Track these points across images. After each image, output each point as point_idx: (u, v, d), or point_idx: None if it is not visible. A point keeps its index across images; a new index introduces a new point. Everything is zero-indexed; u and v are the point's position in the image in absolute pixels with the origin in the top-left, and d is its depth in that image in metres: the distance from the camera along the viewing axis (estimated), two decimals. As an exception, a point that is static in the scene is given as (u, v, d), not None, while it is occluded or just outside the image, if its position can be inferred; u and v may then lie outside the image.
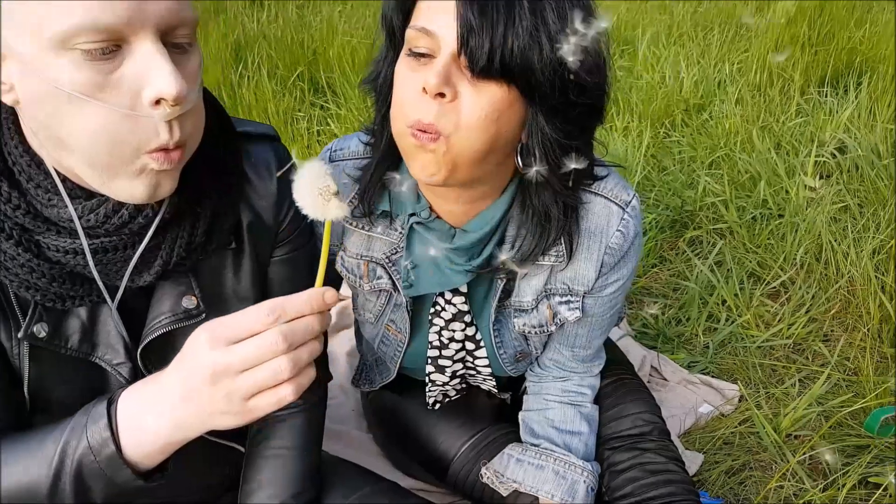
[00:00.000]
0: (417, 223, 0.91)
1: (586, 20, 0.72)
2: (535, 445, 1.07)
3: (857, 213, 1.90)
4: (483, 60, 0.71)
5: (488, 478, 1.07)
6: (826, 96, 2.49)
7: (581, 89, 0.75)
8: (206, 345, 0.60)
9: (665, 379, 1.61)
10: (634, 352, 1.60)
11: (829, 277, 1.76)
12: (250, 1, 3.81)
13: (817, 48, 2.76)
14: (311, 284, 0.95)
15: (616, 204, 0.90)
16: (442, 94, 0.72)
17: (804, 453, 1.30)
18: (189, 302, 0.76)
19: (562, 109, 0.76)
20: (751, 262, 1.88)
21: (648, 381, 1.61)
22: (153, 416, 0.63)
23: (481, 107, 0.73)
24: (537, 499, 1.06)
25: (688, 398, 1.54)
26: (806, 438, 1.37)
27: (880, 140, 2.20)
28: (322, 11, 3.67)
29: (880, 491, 1.16)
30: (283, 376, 0.59)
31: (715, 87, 2.70)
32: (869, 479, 1.31)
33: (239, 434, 0.98)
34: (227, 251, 0.80)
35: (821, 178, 2.10)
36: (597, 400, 1.11)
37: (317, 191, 0.61)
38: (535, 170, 0.80)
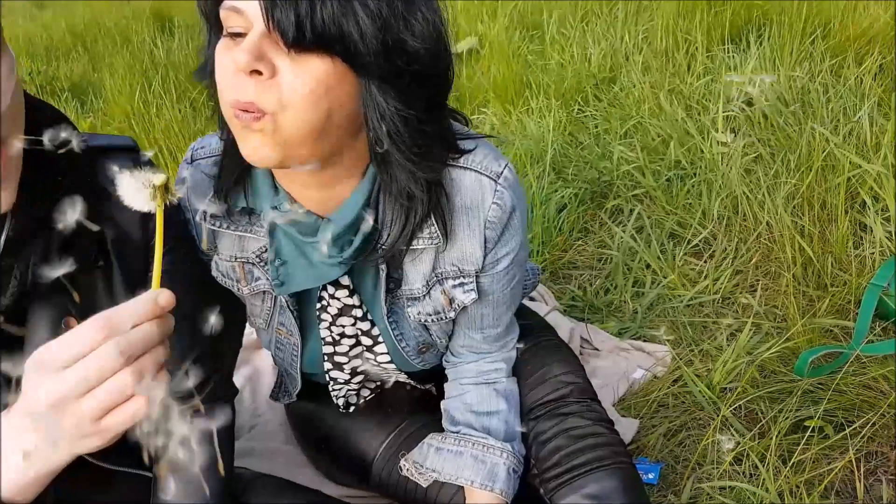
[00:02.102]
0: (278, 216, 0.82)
1: None
2: (454, 433, 1.00)
3: (770, 161, 1.87)
4: (292, 32, 0.64)
5: (408, 469, 1.00)
6: (729, 53, 2.47)
7: (410, 56, 0.70)
8: (37, 376, 0.54)
9: (596, 349, 1.55)
10: (562, 325, 1.53)
11: (747, 228, 1.72)
12: (160, 30, 3.68)
13: (716, 9, 2.75)
14: (196, 297, 0.87)
15: (487, 176, 0.84)
16: (258, 72, 0.66)
17: (733, 404, 1.24)
18: (72, 325, 0.70)
19: (393, 79, 0.70)
20: (670, 222, 1.83)
21: (580, 353, 1.54)
22: (13, 453, 0.58)
23: (304, 82, 0.67)
24: (461, 489, 0.98)
25: (620, 365, 1.48)
26: (741, 391, 1.32)
27: (785, 89, 2.18)
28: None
29: (808, 433, 1.11)
30: (129, 391, 0.54)
31: (623, 60, 2.67)
32: (805, 424, 1.25)
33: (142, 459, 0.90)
34: (95, 270, 0.74)
35: (732, 132, 2.07)
36: (516, 369, 1.05)
37: (137, 181, 0.58)
38: (385, 147, 0.73)
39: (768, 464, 1.09)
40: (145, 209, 0.59)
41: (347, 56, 0.67)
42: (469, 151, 0.84)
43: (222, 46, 0.70)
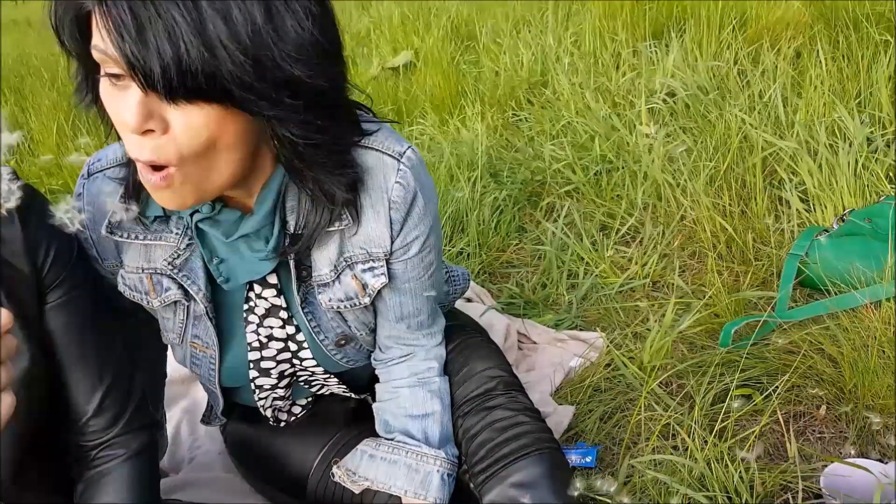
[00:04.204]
0: (201, 220, 0.84)
1: (273, 9, 0.65)
2: (389, 440, 1.01)
3: (693, 146, 1.95)
4: (164, 89, 0.63)
5: (340, 476, 1.01)
6: (652, 48, 2.57)
7: (297, 86, 0.68)
8: None
9: (534, 342, 1.59)
10: (498, 323, 1.58)
11: (671, 213, 1.80)
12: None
13: (639, 7, 2.86)
14: (100, 325, 0.88)
15: (389, 156, 0.86)
16: (151, 130, 0.66)
17: (657, 378, 1.29)
18: None
19: (288, 114, 0.70)
20: (601, 215, 1.89)
21: (519, 349, 1.58)
22: None
23: (197, 132, 0.67)
24: (396, 497, 0.99)
25: (557, 355, 1.53)
26: (670, 367, 1.37)
27: (705, 80, 2.27)
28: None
29: (729, 400, 1.16)
30: None
31: (553, 63, 2.76)
32: (734, 393, 1.31)
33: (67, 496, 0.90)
34: None
35: (657, 124, 2.15)
36: (444, 368, 1.06)
37: None
38: (296, 165, 0.76)
39: (694, 433, 1.14)
40: None
41: (231, 101, 0.66)
42: (371, 133, 0.86)
43: (105, 87, 0.68)
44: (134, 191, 0.83)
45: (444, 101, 2.80)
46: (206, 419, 1.23)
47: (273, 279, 0.92)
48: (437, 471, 0.95)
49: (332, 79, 0.73)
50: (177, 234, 0.87)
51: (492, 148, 2.30)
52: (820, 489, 1.10)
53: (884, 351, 1.33)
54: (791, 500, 1.08)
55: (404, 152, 0.87)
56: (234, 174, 0.74)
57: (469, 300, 1.69)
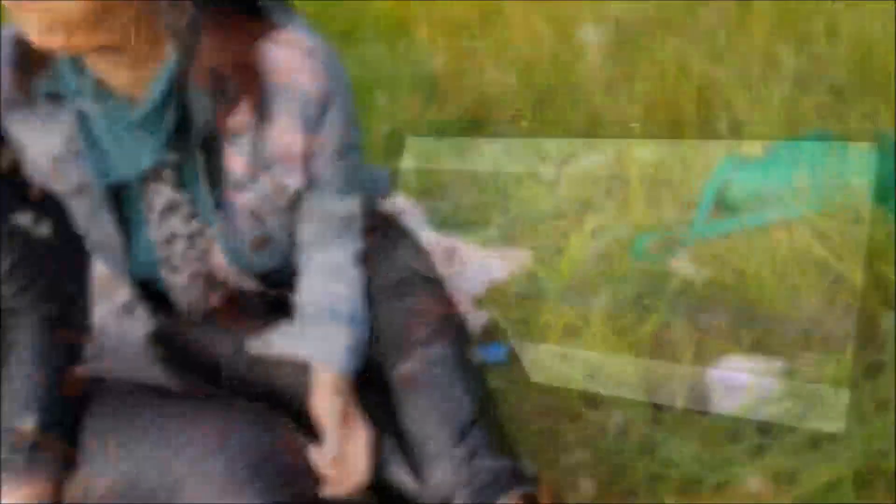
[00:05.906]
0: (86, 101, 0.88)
1: None
2: (300, 319, 1.10)
3: (631, 73, 2.08)
4: None
5: (255, 348, 1.11)
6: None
7: None
8: None
9: (462, 259, 1.72)
10: (427, 238, 1.70)
11: (605, 135, 1.93)
12: None
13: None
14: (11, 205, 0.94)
15: (300, 50, 0.91)
16: None
17: (568, 280, 1.44)
18: None
19: None
20: (539, 138, 2.02)
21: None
22: None
23: None
24: (308, 374, 1.08)
25: (484, 269, 1.66)
26: (588, 279, 1.52)
27: (653, 7, 2.39)
28: None
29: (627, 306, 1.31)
30: None
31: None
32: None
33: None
34: None
35: (601, 53, 2.27)
36: (365, 260, 1.14)
37: None
38: (181, 25, 0.81)
39: (594, 330, 1.30)
40: None
41: None
42: (281, 26, 0.90)
43: None
44: (22, 67, 0.87)
45: (393, 27, 2.87)
46: (129, 310, 1.32)
47: (168, 174, 0.97)
48: (343, 341, 1.05)
49: None
50: (73, 118, 0.91)
51: (439, 71, 2.40)
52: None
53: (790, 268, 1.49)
54: (678, 389, 1.24)
55: (315, 47, 0.90)
56: (115, 29, 0.77)
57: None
